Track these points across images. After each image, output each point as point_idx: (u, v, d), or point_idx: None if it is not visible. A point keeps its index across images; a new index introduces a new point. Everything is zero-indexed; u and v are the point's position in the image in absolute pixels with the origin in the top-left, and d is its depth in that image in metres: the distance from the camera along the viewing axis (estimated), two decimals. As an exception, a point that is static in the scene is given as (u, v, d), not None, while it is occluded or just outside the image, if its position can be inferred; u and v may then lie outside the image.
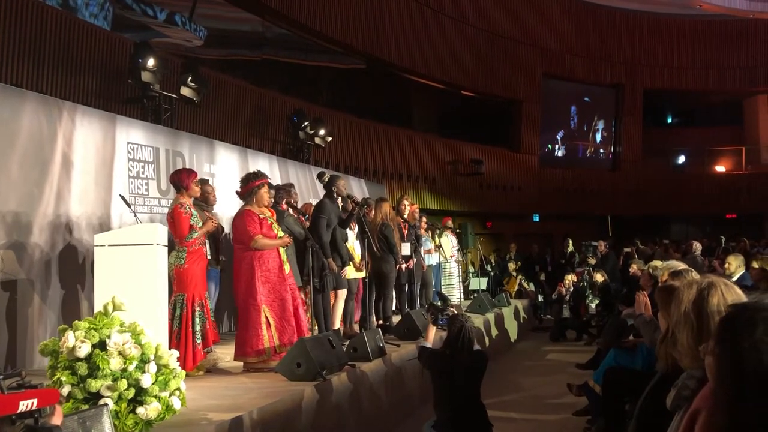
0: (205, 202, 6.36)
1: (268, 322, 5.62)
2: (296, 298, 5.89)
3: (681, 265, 4.99)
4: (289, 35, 15.33)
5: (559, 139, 21.48)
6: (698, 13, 21.35)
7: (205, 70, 10.40)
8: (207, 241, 5.94)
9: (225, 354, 6.07)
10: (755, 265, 6.71)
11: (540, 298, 15.12)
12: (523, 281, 14.76)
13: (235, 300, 5.96)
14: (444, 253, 10.63)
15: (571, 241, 16.12)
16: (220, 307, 8.11)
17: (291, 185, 7.85)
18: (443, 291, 10.49)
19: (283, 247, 5.90)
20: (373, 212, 8.03)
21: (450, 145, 18.56)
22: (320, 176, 7.88)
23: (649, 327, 5.23)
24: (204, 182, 6.44)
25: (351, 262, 7.63)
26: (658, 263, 6.47)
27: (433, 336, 5.13)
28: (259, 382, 5.19)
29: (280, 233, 5.93)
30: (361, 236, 7.39)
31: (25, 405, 1.70)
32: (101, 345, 3.63)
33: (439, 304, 5.40)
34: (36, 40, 8.13)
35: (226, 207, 7.81)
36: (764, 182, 21.47)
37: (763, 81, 22.09)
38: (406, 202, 8.95)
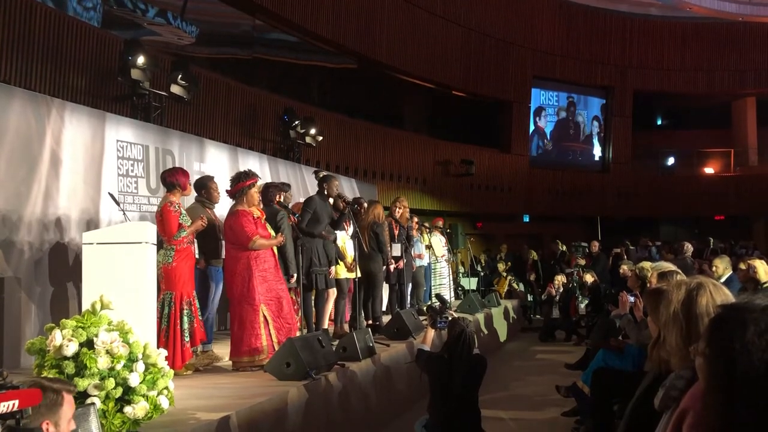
0: (209, 199, 6.30)
1: (266, 320, 5.61)
2: (289, 297, 5.90)
3: (669, 267, 5.01)
4: (280, 34, 15.30)
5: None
6: (688, 15, 21.48)
7: (196, 69, 10.36)
8: (196, 240, 5.90)
9: (220, 353, 6.06)
10: (742, 266, 6.75)
11: (530, 298, 15.16)
12: (513, 282, 14.78)
13: (229, 300, 5.92)
14: (435, 253, 10.64)
15: (559, 242, 16.18)
16: (221, 306, 8.03)
17: (287, 185, 7.83)
18: (434, 291, 10.50)
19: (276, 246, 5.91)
20: (365, 212, 8.02)
21: (440, 145, 18.59)
22: (316, 172, 7.88)
23: (633, 327, 5.27)
24: (210, 179, 6.38)
25: (343, 262, 7.62)
26: (646, 264, 6.50)
27: (431, 338, 5.12)
28: (248, 381, 5.17)
29: (272, 232, 5.94)
30: (354, 236, 7.38)
31: (6, 406, 1.68)
32: (89, 344, 3.60)
33: (437, 306, 5.40)
34: (25, 37, 8.07)
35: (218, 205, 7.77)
36: (752, 184, 21.63)
37: (751, 84, 22.24)
38: (398, 204, 8.97)
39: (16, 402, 1.70)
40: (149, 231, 4.83)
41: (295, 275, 6.35)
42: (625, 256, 13.42)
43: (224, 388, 4.90)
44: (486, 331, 10.35)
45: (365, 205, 8.27)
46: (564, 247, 16.04)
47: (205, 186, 6.27)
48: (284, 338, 5.57)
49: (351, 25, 15.21)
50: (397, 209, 8.89)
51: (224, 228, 5.88)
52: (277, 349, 5.52)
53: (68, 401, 2.01)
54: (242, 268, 5.65)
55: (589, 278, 11.76)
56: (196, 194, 6.31)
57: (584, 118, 22.17)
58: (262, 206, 6.16)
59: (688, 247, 11.48)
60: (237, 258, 5.69)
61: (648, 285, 5.30)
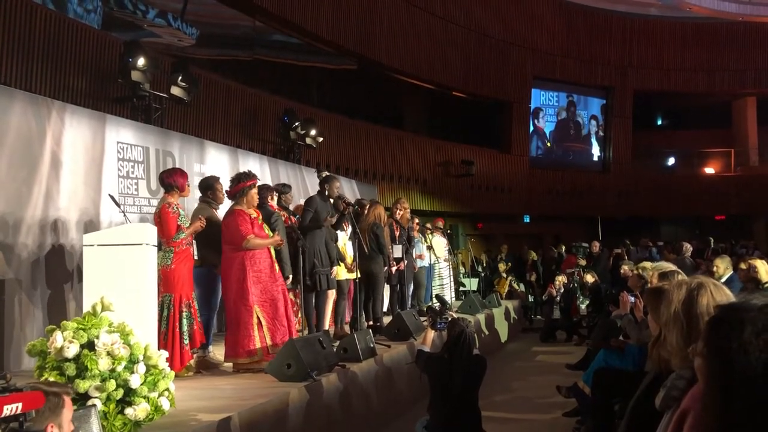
0: (214, 200, 6.28)
1: (259, 322, 5.60)
2: (287, 299, 5.88)
3: (670, 267, 5.01)
4: (280, 35, 15.32)
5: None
6: (688, 15, 21.48)
7: (196, 70, 10.35)
8: (194, 241, 5.89)
9: (221, 355, 6.06)
10: (743, 266, 6.76)
11: (530, 298, 15.15)
12: (513, 282, 14.78)
13: (224, 300, 5.92)
14: (435, 254, 10.64)
15: (554, 249, 16.12)
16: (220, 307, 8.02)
17: (288, 186, 7.82)
18: (434, 292, 10.50)
19: (274, 247, 5.90)
20: (366, 212, 8.02)
21: (441, 146, 18.58)
22: (319, 171, 7.88)
23: (634, 326, 5.27)
24: (216, 179, 6.36)
25: (342, 263, 7.62)
26: (647, 264, 6.50)
27: (431, 339, 5.12)
28: (249, 382, 5.17)
29: (270, 233, 5.93)
30: (353, 237, 7.38)
31: (9, 409, 1.68)
32: (90, 345, 3.60)
33: (437, 307, 5.40)
34: (25, 39, 8.07)
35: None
36: (753, 184, 21.62)
37: (751, 83, 22.24)
38: (399, 205, 8.97)
39: (20, 405, 1.70)
40: (150, 232, 4.83)
41: (291, 277, 6.35)
42: (626, 257, 13.42)
43: (225, 390, 4.91)
44: (487, 332, 10.35)
45: (368, 206, 8.27)
46: (563, 248, 16.02)
47: (211, 186, 6.24)
48: (279, 341, 5.56)
49: (351, 26, 15.22)
50: (398, 210, 8.89)
51: (221, 228, 5.86)
52: (270, 351, 5.52)
53: (68, 403, 2.05)
54: (237, 269, 5.64)
55: (589, 278, 11.76)
56: (200, 195, 6.29)
57: (584, 119, 22.17)
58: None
59: (687, 247, 11.50)
60: (232, 258, 5.67)
61: (649, 284, 5.30)
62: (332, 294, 7.34)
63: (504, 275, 14.80)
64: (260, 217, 5.96)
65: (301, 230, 6.67)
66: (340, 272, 7.55)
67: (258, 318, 5.60)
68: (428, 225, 10.94)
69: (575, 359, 7.84)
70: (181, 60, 10.32)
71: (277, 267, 5.86)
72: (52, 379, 3.53)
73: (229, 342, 5.68)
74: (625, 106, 21.96)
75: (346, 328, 7.63)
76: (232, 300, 5.67)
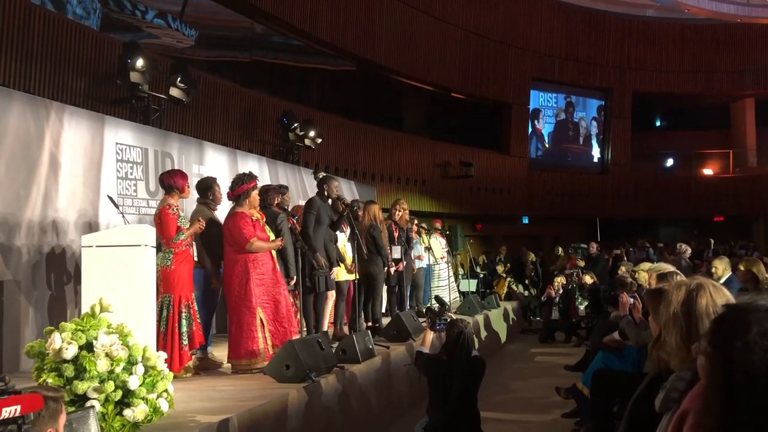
0: (214, 201, 6.26)
1: (262, 323, 5.60)
2: (288, 301, 5.88)
3: (668, 268, 5.02)
4: (279, 37, 15.32)
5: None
6: (687, 17, 21.50)
7: (195, 71, 10.35)
8: (194, 242, 5.89)
9: (220, 356, 6.05)
10: (741, 267, 6.75)
11: (527, 294, 15.13)
12: (512, 283, 14.77)
13: (227, 302, 5.89)
14: (434, 255, 10.63)
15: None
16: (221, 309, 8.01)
17: (285, 187, 7.81)
18: (433, 293, 10.48)
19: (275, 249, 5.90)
20: (361, 215, 8.01)
21: (440, 147, 18.59)
22: (315, 172, 7.86)
23: (633, 328, 5.27)
24: (214, 180, 6.35)
25: (342, 264, 7.61)
26: (645, 266, 6.50)
27: (430, 340, 5.12)
28: (248, 384, 5.16)
29: (272, 235, 5.93)
30: (352, 238, 7.37)
31: (8, 411, 1.68)
32: (88, 346, 3.60)
33: (436, 308, 5.39)
34: (24, 40, 8.07)
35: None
36: (751, 185, 21.64)
37: (750, 85, 22.27)
38: (398, 206, 8.95)
39: (18, 407, 1.70)
40: (148, 234, 4.82)
41: (295, 278, 6.34)
42: (625, 258, 13.42)
43: (224, 391, 4.90)
44: (486, 333, 10.35)
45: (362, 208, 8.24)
46: (560, 250, 15.95)
47: (210, 188, 6.22)
48: (279, 342, 5.56)
49: (350, 27, 15.22)
50: (397, 212, 8.88)
51: (223, 230, 5.85)
52: (271, 353, 5.52)
53: (63, 408, 2.07)
54: (240, 271, 5.64)
55: (588, 279, 11.76)
56: (198, 196, 6.27)
57: (584, 120, 22.19)
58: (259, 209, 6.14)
59: (684, 248, 11.50)
60: (235, 260, 5.67)
61: (647, 286, 5.30)
62: (331, 295, 7.33)
63: (503, 276, 14.79)
64: (263, 219, 5.95)
65: (303, 235, 6.65)
66: (340, 273, 7.54)
67: (261, 319, 5.60)
68: (424, 225, 10.91)
69: (574, 360, 7.84)
70: (180, 61, 10.31)
71: (278, 268, 5.85)
72: (50, 380, 3.53)
73: (231, 343, 5.68)
74: (624, 108, 21.98)
75: (345, 329, 7.62)
76: (234, 301, 5.66)
